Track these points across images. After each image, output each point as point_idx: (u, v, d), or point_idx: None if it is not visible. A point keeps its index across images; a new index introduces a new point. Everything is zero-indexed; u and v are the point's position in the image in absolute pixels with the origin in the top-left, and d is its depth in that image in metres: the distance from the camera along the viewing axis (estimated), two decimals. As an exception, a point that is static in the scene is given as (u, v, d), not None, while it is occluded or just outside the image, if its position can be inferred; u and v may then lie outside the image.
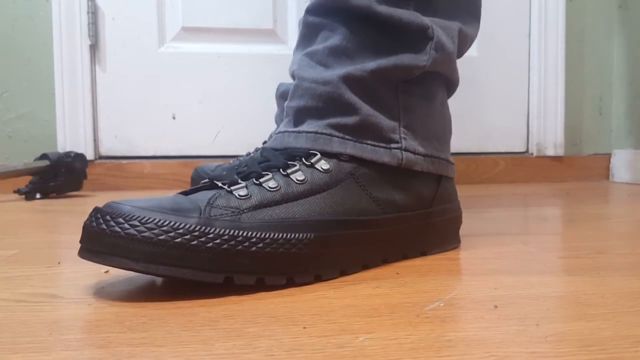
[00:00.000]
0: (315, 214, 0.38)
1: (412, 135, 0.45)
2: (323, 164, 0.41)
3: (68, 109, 1.16)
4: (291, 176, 0.39)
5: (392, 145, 0.43)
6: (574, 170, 1.31)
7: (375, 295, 0.34)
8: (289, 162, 0.40)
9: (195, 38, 1.21)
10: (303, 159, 0.41)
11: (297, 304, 0.32)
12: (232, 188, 0.38)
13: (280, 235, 0.36)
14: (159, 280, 0.38)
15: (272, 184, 0.38)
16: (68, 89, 1.16)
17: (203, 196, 0.37)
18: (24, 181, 1.02)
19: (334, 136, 0.42)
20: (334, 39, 0.44)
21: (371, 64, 0.43)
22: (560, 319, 0.29)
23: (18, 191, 0.99)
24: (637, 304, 0.32)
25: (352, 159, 0.42)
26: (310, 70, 0.44)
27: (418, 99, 0.45)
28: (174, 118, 1.20)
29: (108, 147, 1.19)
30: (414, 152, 0.44)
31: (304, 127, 0.43)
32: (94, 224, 0.33)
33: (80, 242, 0.34)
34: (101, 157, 1.19)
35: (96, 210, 0.34)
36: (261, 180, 0.38)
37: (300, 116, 0.44)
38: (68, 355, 0.25)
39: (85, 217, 0.35)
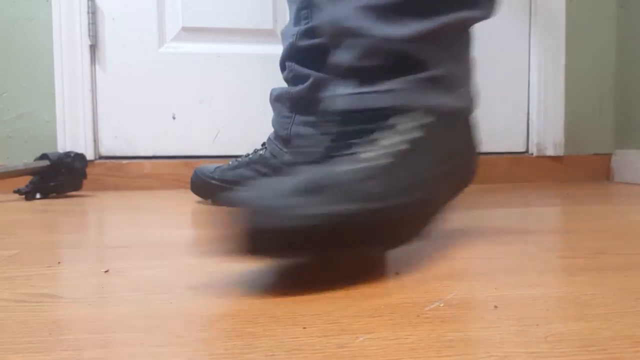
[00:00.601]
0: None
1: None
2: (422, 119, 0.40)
3: (68, 109, 1.16)
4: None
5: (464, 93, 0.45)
6: (574, 170, 1.31)
7: (375, 295, 0.34)
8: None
9: (195, 38, 1.21)
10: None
11: (297, 304, 0.32)
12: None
13: None
14: (158, 280, 0.38)
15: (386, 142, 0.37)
16: (68, 89, 1.16)
17: None
18: (24, 181, 1.02)
19: (428, 89, 0.41)
20: None
21: (444, 18, 0.42)
22: (560, 319, 0.29)
23: (18, 191, 0.99)
24: (638, 304, 0.32)
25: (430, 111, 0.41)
26: (379, 26, 0.41)
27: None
28: (174, 118, 1.20)
29: (108, 147, 1.19)
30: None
31: (384, 86, 0.41)
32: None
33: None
34: (101, 157, 1.19)
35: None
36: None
37: (372, 74, 0.41)
38: (68, 355, 0.25)
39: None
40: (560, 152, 1.30)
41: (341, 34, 0.43)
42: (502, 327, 0.28)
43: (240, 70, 1.22)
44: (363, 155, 0.37)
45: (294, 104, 0.79)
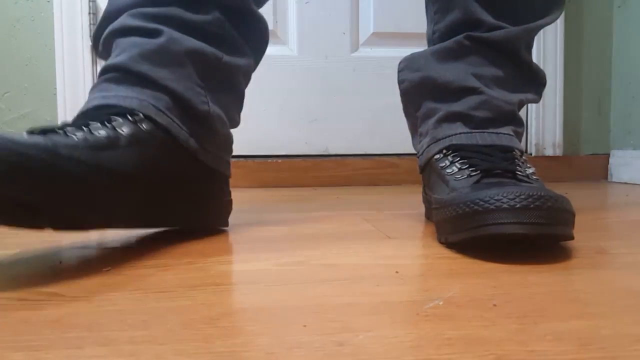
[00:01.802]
0: None
1: None
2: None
3: (70, 109, 1.16)
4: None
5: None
6: (572, 170, 1.31)
7: (375, 293, 0.34)
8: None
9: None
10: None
11: (297, 303, 0.32)
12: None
13: None
14: (159, 278, 0.38)
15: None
16: (69, 89, 1.16)
17: None
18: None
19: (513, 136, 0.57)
20: (506, 70, 0.60)
21: (528, 95, 0.62)
22: (559, 317, 0.29)
23: (19, 191, 0.99)
24: (636, 302, 0.32)
25: None
26: (498, 91, 0.59)
27: None
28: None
29: (109, 147, 1.19)
30: None
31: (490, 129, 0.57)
32: None
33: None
34: (102, 157, 1.19)
35: None
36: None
37: (486, 123, 0.57)
38: (69, 353, 0.25)
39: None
40: (559, 152, 1.30)
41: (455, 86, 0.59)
42: (501, 325, 0.28)
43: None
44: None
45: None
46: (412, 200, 0.90)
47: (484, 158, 0.51)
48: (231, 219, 0.60)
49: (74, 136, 0.39)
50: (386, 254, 0.46)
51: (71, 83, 1.16)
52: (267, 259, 0.44)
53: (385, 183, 1.24)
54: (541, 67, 1.30)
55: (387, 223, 0.63)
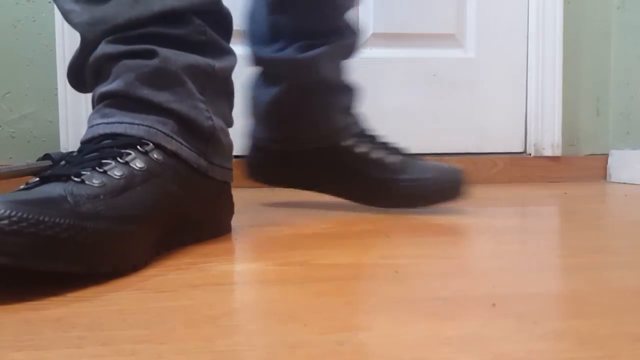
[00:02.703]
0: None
1: None
2: None
3: (71, 110, 1.16)
4: None
5: None
6: (571, 170, 1.31)
7: (375, 293, 0.34)
8: None
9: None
10: None
11: (297, 302, 0.32)
12: None
13: None
14: (160, 278, 0.38)
15: None
16: (70, 90, 1.16)
17: None
18: (26, 181, 1.03)
19: None
20: None
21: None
22: (558, 316, 0.29)
23: (20, 191, 0.99)
24: (635, 302, 0.32)
25: None
26: None
27: None
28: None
29: (109, 147, 1.19)
30: None
31: None
32: None
33: None
34: (102, 158, 1.19)
35: None
36: None
37: None
38: (70, 352, 0.25)
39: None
40: (558, 152, 1.30)
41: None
42: (500, 324, 0.28)
43: (240, 70, 1.22)
44: None
45: None
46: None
47: None
48: (232, 219, 0.61)
49: (92, 184, 0.40)
50: (386, 253, 0.46)
51: (71, 83, 1.16)
52: (267, 259, 0.45)
53: (385, 183, 1.24)
54: (540, 67, 1.31)
55: (387, 223, 0.63)
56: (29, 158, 1.12)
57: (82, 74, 0.53)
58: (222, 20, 0.56)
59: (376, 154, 0.72)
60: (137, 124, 0.46)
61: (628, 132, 1.28)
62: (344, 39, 0.74)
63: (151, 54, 0.48)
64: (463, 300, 0.32)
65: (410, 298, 0.33)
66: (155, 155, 0.46)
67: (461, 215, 0.68)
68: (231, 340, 0.26)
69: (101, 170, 0.41)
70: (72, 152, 0.48)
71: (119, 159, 0.43)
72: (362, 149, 0.73)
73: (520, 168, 1.29)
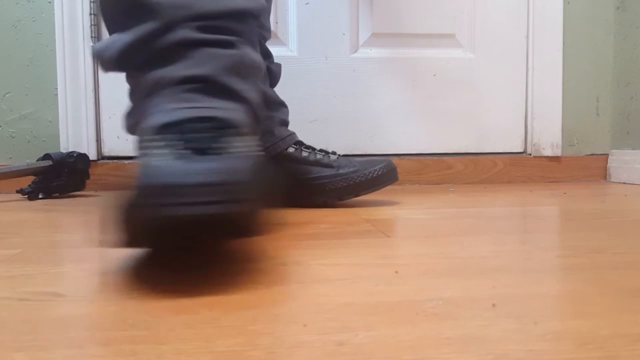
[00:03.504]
0: None
1: None
2: None
3: (71, 110, 1.17)
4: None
5: None
6: (571, 170, 1.32)
7: (375, 293, 0.34)
8: None
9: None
10: None
11: (297, 302, 0.32)
12: None
13: None
14: (161, 278, 0.38)
15: None
16: (71, 89, 1.16)
17: None
18: (26, 181, 1.03)
19: None
20: None
21: None
22: (558, 317, 0.29)
23: (21, 191, 0.99)
24: (635, 302, 0.32)
25: None
26: None
27: None
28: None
29: (110, 147, 1.19)
30: None
31: None
32: None
33: None
34: (104, 157, 1.19)
35: None
36: None
37: None
38: (71, 352, 0.25)
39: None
40: (558, 152, 1.30)
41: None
42: (500, 325, 0.28)
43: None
44: None
45: None
46: (412, 199, 0.91)
47: None
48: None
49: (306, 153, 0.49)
50: (386, 253, 0.46)
51: (72, 84, 1.16)
52: (267, 259, 0.45)
53: (386, 183, 1.24)
54: (540, 67, 1.31)
55: (387, 223, 0.64)
56: (29, 158, 1.12)
57: (141, 52, 0.53)
58: (261, 27, 0.65)
59: (317, 156, 0.85)
60: (231, 109, 0.51)
61: (628, 132, 1.28)
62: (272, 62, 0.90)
63: (232, 45, 0.53)
64: (463, 300, 0.32)
65: (410, 298, 0.33)
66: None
67: (461, 216, 0.68)
68: (231, 340, 0.26)
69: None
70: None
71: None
72: (304, 153, 0.85)
73: (520, 168, 1.29)
